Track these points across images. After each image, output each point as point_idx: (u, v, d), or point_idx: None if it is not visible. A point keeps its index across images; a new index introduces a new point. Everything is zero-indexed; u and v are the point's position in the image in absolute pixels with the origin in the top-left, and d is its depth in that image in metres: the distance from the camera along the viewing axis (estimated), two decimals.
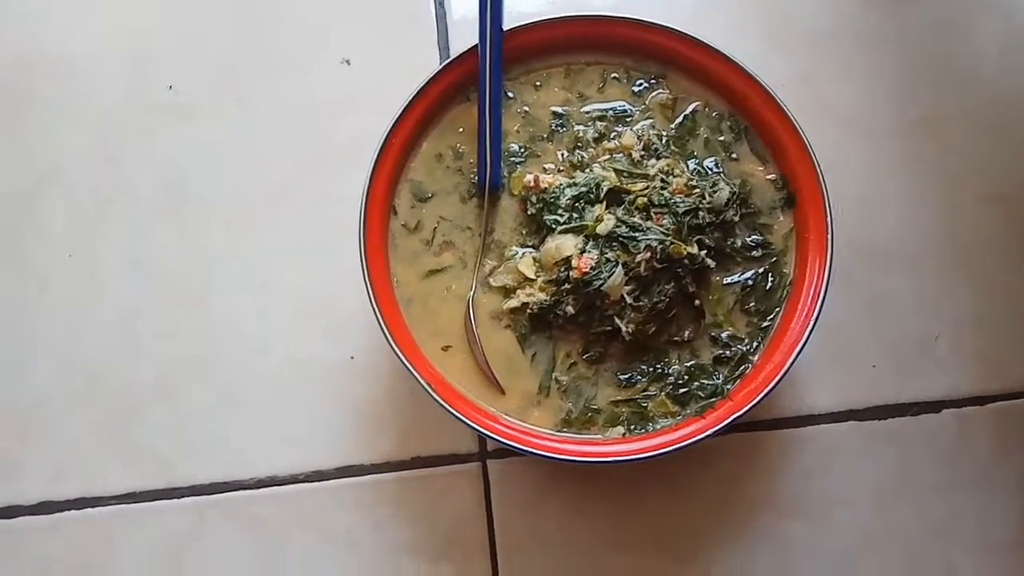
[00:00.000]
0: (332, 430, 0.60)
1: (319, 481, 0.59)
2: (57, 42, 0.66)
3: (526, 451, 0.50)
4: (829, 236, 0.52)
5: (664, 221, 0.51)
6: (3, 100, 0.65)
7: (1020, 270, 0.62)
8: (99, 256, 0.62)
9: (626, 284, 0.51)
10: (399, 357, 0.50)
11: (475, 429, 0.50)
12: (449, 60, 0.54)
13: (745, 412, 0.49)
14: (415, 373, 0.50)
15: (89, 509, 0.59)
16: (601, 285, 0.50)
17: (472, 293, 0.53)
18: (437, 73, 0.54)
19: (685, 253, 0.50)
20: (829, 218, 0.52)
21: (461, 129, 0.56)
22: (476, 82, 0.54)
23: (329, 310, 0.61)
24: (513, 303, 0.53)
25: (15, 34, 0.66)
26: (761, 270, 0.54)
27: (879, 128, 0.64)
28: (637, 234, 0.51)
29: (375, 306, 0.51)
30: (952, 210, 0.63)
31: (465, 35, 0.65)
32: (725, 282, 0.54)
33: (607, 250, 0.51)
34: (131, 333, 0.61)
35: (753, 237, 0.54)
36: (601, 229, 0.51)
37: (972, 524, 0.59)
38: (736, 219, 0.53)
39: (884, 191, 0.63)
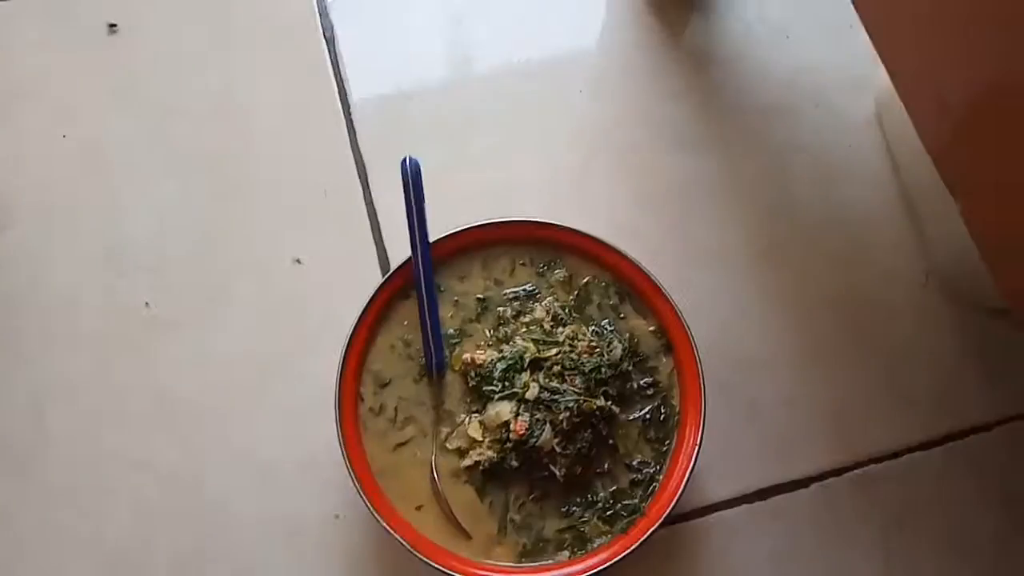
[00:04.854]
0: None
1: None
2: (40, 278, 0.76)
3: None
4: (700, 372, 0.66)
5: (576, 381, 0.65)
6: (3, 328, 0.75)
7: (857, 363, 0.78)
8: (103, 462, 0.72)
9: (554, 438, 0.64)
10: (380, 522, 0.62)
11: (448, 574, 0.62)
12: (391, 272, 0.67)
13: (659, 525, 0.63)
14: (394, 533, 0.62)
15: None
16: (535, 442, 0.64)
17: (434, 458, 0.66)
18: (383, 283, 0.67)
19: (595, 407, 0.64)
20: (698, 357, 0.67)
21: (406, 322, 0.69)
22: (414, 284, 0.68)
23: (312, 478, 0.72)
24: (468, 462, 0.65)
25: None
26: (655, 405, 0.68)
27: (738, 259, 0.80)
28: (557, 396, 0.64)
29: (355, 481, 0.63)
30: (799, 319, 0.79)
31: (397, 228, 0.78)
32: (629, 419, 0.67)
33: (536, 412, 0.64)
34: (141, 526, 0.70)
35: (645, 379, 0.68)
36: (529, 395, 0.64)
37: None
38: (630, 368, 0.67)
39: (747, 310, 0.79)
